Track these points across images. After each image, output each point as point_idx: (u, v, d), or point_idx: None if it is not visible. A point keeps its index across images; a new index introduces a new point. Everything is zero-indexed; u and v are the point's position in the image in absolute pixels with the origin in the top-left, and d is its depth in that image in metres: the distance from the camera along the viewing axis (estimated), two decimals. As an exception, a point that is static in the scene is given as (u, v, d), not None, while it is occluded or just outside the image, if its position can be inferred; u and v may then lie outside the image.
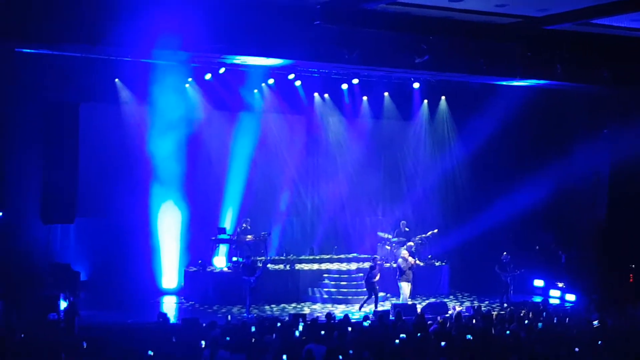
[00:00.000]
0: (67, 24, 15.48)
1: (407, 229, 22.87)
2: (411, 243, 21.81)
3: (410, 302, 19.46)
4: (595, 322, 15.10)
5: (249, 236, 21.63)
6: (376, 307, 19.50)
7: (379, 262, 20.24)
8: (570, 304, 21.13)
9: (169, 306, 20.40)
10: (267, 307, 20.00)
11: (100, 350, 12.63)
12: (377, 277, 19.64)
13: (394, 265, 20.69)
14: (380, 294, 20.00)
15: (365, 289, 19.91)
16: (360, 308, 19.70)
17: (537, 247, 23.68)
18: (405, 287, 19.73)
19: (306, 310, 19.56)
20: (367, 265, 21.03)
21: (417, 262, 20.39)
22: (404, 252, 20.22)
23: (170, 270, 21.93)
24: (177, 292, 21.58)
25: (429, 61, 18.11)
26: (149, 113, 21.10)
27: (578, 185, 22.94)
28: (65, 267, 19.41)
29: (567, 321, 16.02)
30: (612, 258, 21.98)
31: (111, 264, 20.95)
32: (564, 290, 22.15)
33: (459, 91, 23.01)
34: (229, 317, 16.38)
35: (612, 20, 17.82)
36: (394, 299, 20.34)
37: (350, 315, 16.16)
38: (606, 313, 16.42)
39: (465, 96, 23.12)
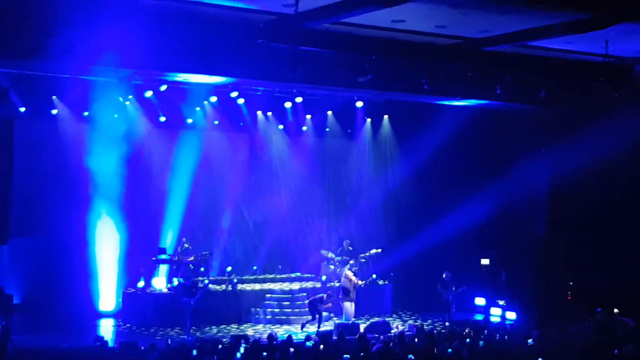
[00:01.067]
0: (1, 38, 15.08)
1: (350, 248, 22.88)
2: (352, 261, 21.79)
3: (351, 322, 19.39)
4: (530, 341, 15.23)
5: (191, 257, 21.34)
6: (319, 327, 19.41)
7: (331, 295, 19.87)
8: (511, 322, 21.35)
9: (106, 329, 19.94)
10: (208, 329, 19.71)
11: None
12: (328, 305, 19.48)
13: (337, 284, 20.61)
14: (324, 313, 19.91)
15: (307, 309, 19.78)
16: (302, 328, 19.55)
17: (478, 265, 23.88)
18: (349, 307, 19.68)
19: (249, 332, 19.34)
20: (310, 284, 21.02)
21: (359, 282, 20.35)
22: (349, 272, 20.17)
23: (108, 292, 21.46)
24: (114, 315, 21.11)
25: (371, 80, 18.20)
26: (87, 130, 20.72)
27: (518, 203, 23.28)
28: (-3, 290, 18.86)
29: (506, 339, 16.14)
30: (551, 275, 22.32)
31: (47, 285, 20.45)
32: (504, 308, 22.35)
33: (402, 110, 23.21)
34: (169, 341, 16.05)
35: (548, 43, 18.22)
36: (336, 318, 20.25)
37: (292, 336, 16.01)
38: (545, 330, 16.60)
39: (408, 115, 23.34)
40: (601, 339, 15.20)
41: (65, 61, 15.92)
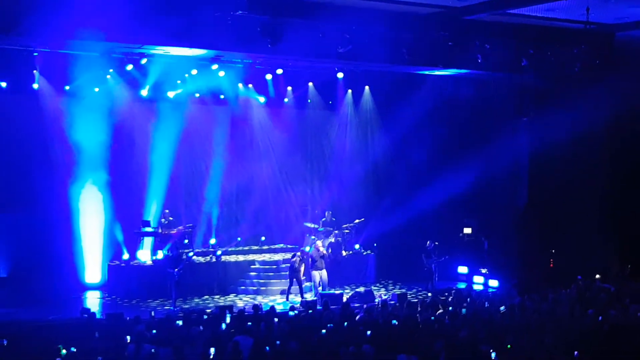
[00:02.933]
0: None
1: (333, 219, 22.99)
2: (336, 231, 21.98)
3: (318, 291, 19.51)
4: (502, 308, 15.44)
5: (174, 229, 21.39)
6: (302, 296, 19.58)
7: (300, 255, 20.25)
8: (493, 290, 21.58)
9: (93, 301, 19.99)
10: (194, 300, 19.83)
11: (21, 348, 12.30)
12: (302, 268, 19.80)
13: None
14: (307, 284, 20.10)
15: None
16: (287, 298, 19.74)
17: (460, 235, 24.07)
18: (317, 275, 19.86)
19: (237, 303, 19.46)
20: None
21: (326, 252, 20.51)
22: (318, 243, 20.44)
23: (93, 265, 21.50)
24: (100, 287, 21.18)
25: (351, 51, 18.19)
26: (69, 104, 20.60)
27: (499, 172, 23.38)
28: (-18, 265, 18.88)
29: (486, 305, 16.36)
30: (533, 244, 22.55)
31: (32, 259, 20.45)
32: (487, 276, 22.59)
33: (383, 80, 23.21)
34: (153, 313, 16.13)
35: (529, 10, 18.23)
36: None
37: (276, 307, 16.15)
38: (527, 297, 16.82)
39: (389, 85, 23.34)
40: (583, 305, 15.38)
41: (43, 35, 15.84)
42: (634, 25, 19.74)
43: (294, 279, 19.80)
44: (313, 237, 22.61)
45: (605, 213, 22.29)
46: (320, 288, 19.76)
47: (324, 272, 19.92)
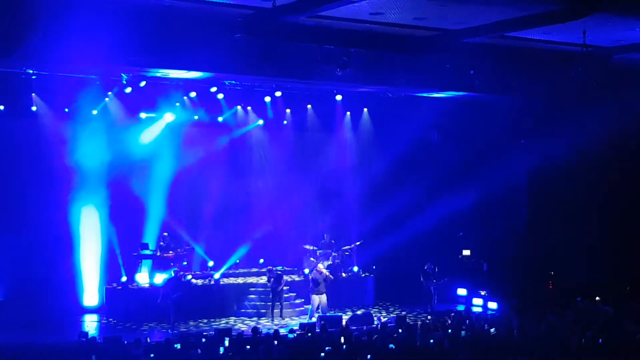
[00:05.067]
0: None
1: (332, 241, 22.98)
2: (335, 254, 22.00)
3: (316, 316, 19.44)
4: (492, 330, 15.37)
5: (172, 252, 21.36)
6: (281, 316, 19.96)
7: (279, 271, 20.68)
8: (493, 312, 21.52)
9: (90, 325, 19.92)
10: (191, 323, 19.76)
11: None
12: (282, 286, 20.22)
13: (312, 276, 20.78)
14: (307, 307, 20.10)
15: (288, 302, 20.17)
16: (281, 318, 19.97)
17: (459, 256, 24.04)
18: (316, 299, 19.79)
19: (232, 325, 19.39)
20: (296, 278, 21.48)
21: (331, 275, 20.45)
22: (320, 265, 20.41)
23: (91, 288, 21.44)
24: (98, 310, 21.10)
25: (350, 73, 18.27)
26: (67, 127, 20.64)
27: (498, 195, 23.42)
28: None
29: (486, 328, 16.30)
30: (532, 265, 22.52)
31: (30, 282, 20.38)
32: (486, 298, 22.54)
33: (381, 103, 23.27)
34: (148, 339, 16.01)
35: (526, 33, 18.33)
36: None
37: (278, 330, 16.10)
38: (526, 319, 16.76)
39: (387, 108, 23.40)
40: (582, 327, 15.33)
41: (42, 58, 15.89)
42: (631, 48, 19.84)
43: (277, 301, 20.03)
44: (312, 259, 22.59)
45: (605, 234, 22.29)
46: (319, 313, 19.66)
47: (324, 297, 19.83)
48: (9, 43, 15.28)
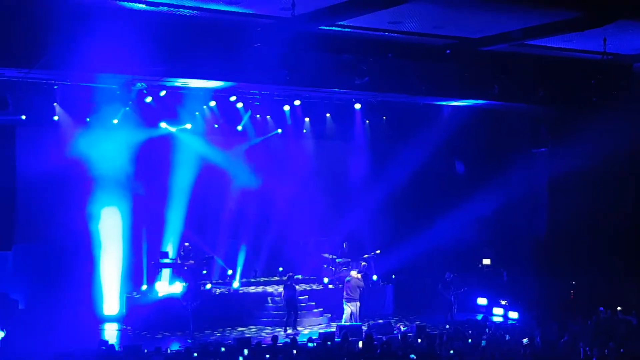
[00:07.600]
0: (2, 46, 15.18)
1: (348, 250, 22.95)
2: (364, 263, 21.89)
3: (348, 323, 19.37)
4: (525, 340, 15.24)
5: (193, 261, 21.40)
6: (294, 326, 19.78)
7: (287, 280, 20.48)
8: (513, 321, 21.37)
9: (111, 333, 19.99)
10: (210, 332, 19.77)
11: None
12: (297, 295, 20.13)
13: (340, 286, 20.69)
14: (328, 315, 20.03)
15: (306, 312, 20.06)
16: (294, 329, 19.80)
17: (479, 265, 23.90)
18: (351, 308, 19.73)
19: (253, 333, 19.38)
20: (315, 286, 21.31)
21: (361, 282, 20.39)
22: (353, 273, 20.27)
23: (111, 297, 21.53)
24: (118, 319, 21.18)
25: (368, 82, 18.27)
26: (89, 136, 20.77)
27: (518, 203, 23.28)
28: (2, 296, 18.89)
29: (507, 338, 16.18)
30: (553, 274, 22.34)
31: (51, 291, 20.51)
32: (506, 308, 22.38)
33: (400, 111, 23.23)
34: (169, 349, 16.05)
35: (546, 41, 18.25)
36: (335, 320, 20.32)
37: (296, 338, 16.08)
38: (548, 329, 16.64)
39: (407, 116, 23.36)
40: (604, 337, 15.18)
41: (65, 69, 16.02)
42: (652, 56, 19.72)
43: (293, 311, 19.87)
44: (332, 267, 22.55)
45: (627, 242, 22.07)
46: (343, 320, 19.58)
47: (358, 304, 19.79)
48: (31, 53, 15.43)
